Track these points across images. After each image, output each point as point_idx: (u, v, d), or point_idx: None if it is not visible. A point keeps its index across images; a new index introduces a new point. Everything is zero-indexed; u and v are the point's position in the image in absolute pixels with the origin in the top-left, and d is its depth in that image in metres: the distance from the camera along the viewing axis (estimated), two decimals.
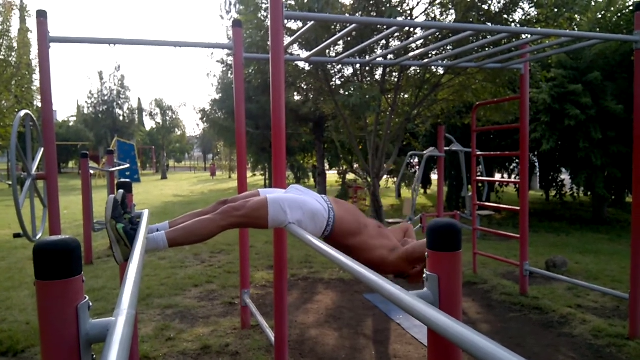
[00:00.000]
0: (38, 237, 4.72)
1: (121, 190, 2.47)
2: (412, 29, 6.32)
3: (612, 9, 10.83)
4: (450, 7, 6.67)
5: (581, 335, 4.37)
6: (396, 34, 6.57)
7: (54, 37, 3.94)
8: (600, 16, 10.85)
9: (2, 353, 3.95)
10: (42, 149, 4.26)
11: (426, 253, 1.46)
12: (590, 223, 12.07)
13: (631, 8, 10.51)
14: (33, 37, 15.64)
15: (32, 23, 18.10)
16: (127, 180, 3.04)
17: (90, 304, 1.23)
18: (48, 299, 1.16)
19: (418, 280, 2.61)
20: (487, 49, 5.32)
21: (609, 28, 10.53)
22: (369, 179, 7.27)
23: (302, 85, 8.54)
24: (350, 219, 2.62)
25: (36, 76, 15.37)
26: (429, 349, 1.46)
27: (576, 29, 9.66)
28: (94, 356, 1.24)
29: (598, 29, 10.56)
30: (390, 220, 9.39)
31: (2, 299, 5.39)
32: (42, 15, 3.89)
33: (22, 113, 4.54)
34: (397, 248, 2.64)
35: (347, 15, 6.26)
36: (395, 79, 7.17)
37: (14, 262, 7.27)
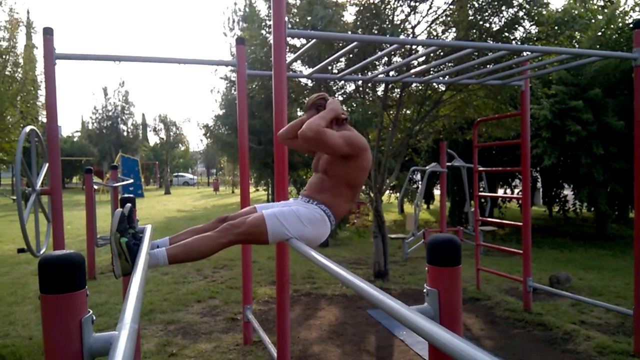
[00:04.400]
0: (42, 252, 4.73)
1: (129, 204, 2.49)
2: (413, 47, 6.38)
3: (612, 26, 10.90)
4: (451, 25, 6.74)
5: (585, 351, 4.34)
6: (398, 51, 6.64)
7: (59, 54, 4.00)
8: (600, 34, 10.92)
9: None
10: (47, 164, 4.29)
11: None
12: (593, 239, 12.02)
13: (631, 26, 10.59)
14: (38, 53, 15.76)
15: (37, 39, 18.32)
16: (131, 195, 3.06)
17: (94, 317, 1.25)
18: (52, 313, 1.18)
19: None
20: (488, 66, 5.37)
21: (609, 45, 10.59)
22: (372, 194, 7.28)
23: (305, 101, 8.60)
24: (330, 190, 2.60)
25: (41, 92, 15.49)
26: None
27: (576, 46, 9.73)
28: None
29: (598, 46, 10.62)
30: (393, 236, 9.38)
31: (5, 314, 5.39)
32: (48, 32, 3.96)
33: (28, 129, 4.59)
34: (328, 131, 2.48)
35: (349, 33, 6.34)
36: (397, 95, 7.23)
37: (17, 277, 7.27)
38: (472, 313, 5.56)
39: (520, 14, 6.20)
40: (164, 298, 6.05)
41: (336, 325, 5.14)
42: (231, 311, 5.53)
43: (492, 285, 6.89)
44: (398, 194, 16.19)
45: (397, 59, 6.83)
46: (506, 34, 6.32)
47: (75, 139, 43.21)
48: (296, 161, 19.06)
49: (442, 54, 6.23)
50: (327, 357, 4.27)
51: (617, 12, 10.88)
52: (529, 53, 4.93)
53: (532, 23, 6.35)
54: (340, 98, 7.68)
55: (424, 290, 1.46)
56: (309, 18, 6.13)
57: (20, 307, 5.67)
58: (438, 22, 6.72)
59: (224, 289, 6.56)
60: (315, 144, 2.44)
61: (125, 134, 41.05)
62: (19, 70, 14.49)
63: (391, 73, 6.02)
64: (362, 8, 6.22)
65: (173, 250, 2.33)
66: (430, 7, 6.46)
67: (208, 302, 5.95)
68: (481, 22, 6.29)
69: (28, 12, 34.43)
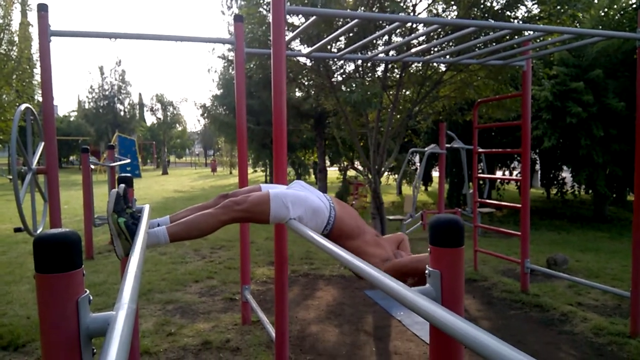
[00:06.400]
0: (38, 231, 4.71)
1: (122, 185, 2.46)
2: (414, 25, 6.30)
3: (615, 6, 10.78)
4: (452, 3, 6.64)
5: (582, 333, 4.37)
6: (398, 30, 6.55)
7: (54, 30, 3.93)
8: (602, 14, 10.80)
9: (2, 347, 3.95)
10: (43, 143, 4.25)
11: (426, 267, 1.44)
12: (591, 221, 12.06)
13: (634, 6, 10.47)
14: (34, 31, 15.59)
15: (32, 17, 18.08)
16: (128, 175, 3.03)
17: (91, 297, 1.23)
18: (48, 293, 1.16)
19: None
20: (489, 46, 5.30)
21: (611, 25, 10.49)
22: (370, 176, 7.26)
23: (304, 81, 8.52)
24: (349, 222, 2.61)
25: (37, 70, 15.35)
26: (431, 345, 1.45)
27: (578, 27, 9.62)
28: (95, 350, 1.23)
29: (600, 27, 10.52)
30: (391, 217, 9.39)
31: (2, 293, 5.40)
32: (43, 9, 3.87)
33: (23, 107, 4.53)
34: (390, 259, 2.56)
35: (349, 10, 6.24)
36: (397, 76, 7.15)
37: (14, 257, 7.27)
38: (469, 294, 5.58)
39: None
40: (162, 278, 6.06)
41: (334, 306, 5.16)
42: (229, 291, 5.55)
43: (489, 266, 6.91)
44: (397, 176, 16.18)
45: (397, 39, 6.75)
46: (508, 13, 6.24)
47: (71, 119, 42.94)
48: (294, 142, 18.99)
49: (442, 33, 6.15)
50: (325, 337, 4.29)
51: None
52: (530, 32, 4.85)
53: (534, 2, 6.27)
54: (340, 78, 7.61)
55: (426, 272, 1.45)
56: None
57: (17, 287, 5.67)
58: (439, 0, 6.62)
59: (222, 269, 6.57)
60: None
61: (122, 113, 40.85)
62: (14, 48, 14.34)
63: (391, 53, 5.95)
64: None
65: (173, 228, 2.30)
66: None
67: (206, 282, 5.96)
68: (482, 1, 6.20)
69: None
